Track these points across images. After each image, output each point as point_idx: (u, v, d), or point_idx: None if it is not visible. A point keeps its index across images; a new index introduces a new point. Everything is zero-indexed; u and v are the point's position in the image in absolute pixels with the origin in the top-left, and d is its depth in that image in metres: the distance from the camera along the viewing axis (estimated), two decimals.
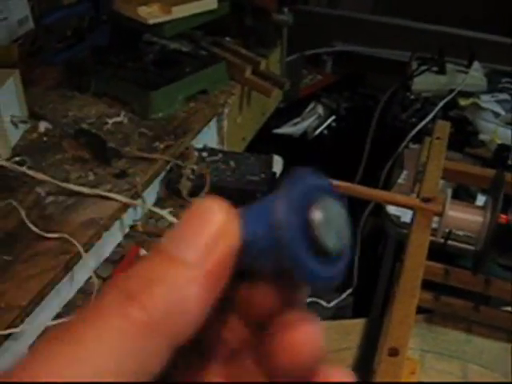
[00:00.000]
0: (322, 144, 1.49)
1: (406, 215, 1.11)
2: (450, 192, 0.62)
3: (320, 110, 1.53)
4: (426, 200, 0.61)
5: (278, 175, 0.92)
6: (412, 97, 1.41)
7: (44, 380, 0.17)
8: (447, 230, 0.78)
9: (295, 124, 1.51)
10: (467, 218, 0.61)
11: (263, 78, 1.08)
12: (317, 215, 0.20)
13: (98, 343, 0.18)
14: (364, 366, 0.80)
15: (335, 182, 0.61)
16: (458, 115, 1.34)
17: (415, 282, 0.53)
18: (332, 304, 1.26)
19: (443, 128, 0.75)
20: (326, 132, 1.50)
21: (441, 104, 1.35)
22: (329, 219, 0.20)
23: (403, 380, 0.45)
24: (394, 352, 0.46)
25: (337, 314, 1.27)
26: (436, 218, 0.67)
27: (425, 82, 1.42)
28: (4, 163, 0.86)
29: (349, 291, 1.27)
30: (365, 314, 1.08)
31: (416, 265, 0.55)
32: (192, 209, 0.21)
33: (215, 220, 0.21)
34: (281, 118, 1.47)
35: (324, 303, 1.24)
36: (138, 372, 0.18)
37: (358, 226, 1.30)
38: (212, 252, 0.20)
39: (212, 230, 0.20)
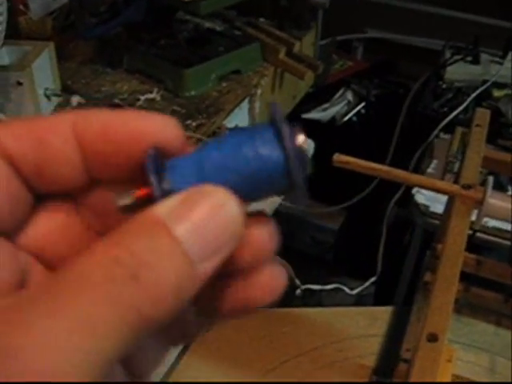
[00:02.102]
0: (350, 130, 1.47)
1: (434, 205, 1.10)
2: (491, 180, 0.61)
3: (349, 96, 1.51)
4: (467, 187, 0.60)
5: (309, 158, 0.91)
6: (444, 86, 1.39)
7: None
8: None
9: (324, 109, 1.49)
10: (508, 207, 0.60)
11: (297, 60, 1.06)
12: (305, 144, 0.20)
13: (108, 333, 0.17)
14: (391, 353, 0.79)
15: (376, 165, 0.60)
16: (490, 106, 1.32)
17: (454, 269, 0.52)
18: (355, 291, 1.25)
19: (483, 116, 0.74)
20: (355, 118, 1.49)
21: (474, 94, 1.33)
22: None
23: (440, 367, 0.45)
24: (433, 337, 0.46)
25: (358, 302, 1.27)
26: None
27: (458, 72, 1.40)
28: None
29: (372, 279, 1.27)
30: (386, 302, 1.07)
31: (455, 252, 0.54)
32: (195, 190, 0.19)
33: (225, 212, 0.19)
34: (309, 102, 1.46)
35: (347, 290, 1.24)
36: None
37: (385, 215, 1.29)
38: (219, 252, 0.19)
39: (221, 221, 0.19)
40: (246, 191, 0.20)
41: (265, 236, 0.21)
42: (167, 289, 0.17)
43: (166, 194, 0.19)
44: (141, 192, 0.20)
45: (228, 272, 0.21)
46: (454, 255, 0.54)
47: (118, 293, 0.17)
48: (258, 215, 0.21)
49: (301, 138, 0.20)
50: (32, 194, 0.21)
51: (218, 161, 0.20)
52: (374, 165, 0.60)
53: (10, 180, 0.20)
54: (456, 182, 0.80)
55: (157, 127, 0.21)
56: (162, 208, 0.18)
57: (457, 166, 1.12)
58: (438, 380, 0.46)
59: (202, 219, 0.18)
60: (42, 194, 0.21)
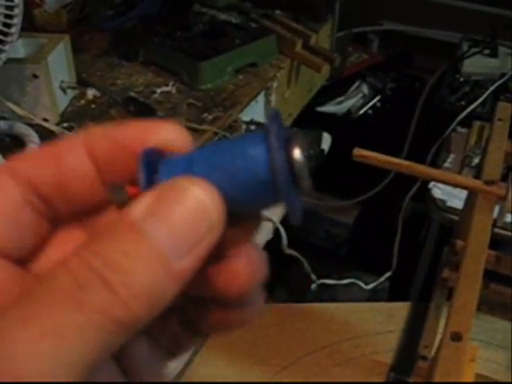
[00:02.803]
0: (365, 124, 1.46)
1: (452, 199, 1.09)
2: None
3: (365, 89, 1.50)
4: (490, 183, 0.59)
5: (326, 152, 0.90)
6: (461, 79, 1.37)
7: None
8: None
9: (339, 102, 1.48)
10: None
11: (313, 52, 1.05)
12: (299, 155, 0.19)
13: (79, 338, 0.17)
14: (408, 350, 0.79)
15: (395, 159, 0.59)
16: (509, 100, 1.30)
17: (478, 266, 0.51)
18: (370, 286, 1.24)
19: (505, 109, 0.72)
20: (370, 112, 1.47)
21: (491, 88, 1.31)
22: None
23: (464, 367, 0.44)
24: (456, 336, 0.45)
25: (373, 296, 1.26)
26: None
27: (475, 65, 1.38)
28: (53, 128, 0.85)
29: (388, 274, 1.26)
30: (401, 297, 1.06)
31: (479, 249, 0.53)
32: (167, 185, 0.19)
33: (198, 205, 0.18)
34: (325, 95, 1.45)
35: (362, 285, 1.23)
36: (98, 362, 0.17)
37: (400, 210, 1.27)
38: (196, 247, 0.18)
39: (194, 215, 0.18)
40: (232, 192, 0.19)
41: (252, 269, 0.21)
42: (140, 291, 0.17)
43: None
44: (133, 190, 0.20)
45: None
46: (477, 252, 0.54)
47: (88, 298, 0.17)
48: (248, 248, 0.21)
49: (295, 150, 0.19)
50: (48, 221, 0.22)
51: (206, 158, 0.20)
52: (394, 159, 0.59)
53: (21, 208, 0.21)
54: (475, 176, 0.79)
55: (165, 134, 0.21)
56: (136, 208, 0.18)
57: (475, 160, 1.11)
58: (463, 379, 0.45)
59: (175, 215, 0.18)
60: (61, 219, 0.22)
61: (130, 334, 0.17)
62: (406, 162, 0.59)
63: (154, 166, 0.20)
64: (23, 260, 0.21)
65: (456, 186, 0.59)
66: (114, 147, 0.21)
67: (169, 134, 0.21)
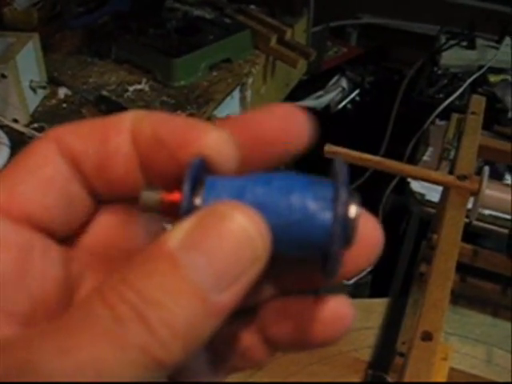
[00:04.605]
0: (345, 118, 1.45)
1: (430, 193, 1.08)
2: (487, 170, 0.59)
3: (344, 83, 1.49)
4: (462, 178, 0.58)
5: None
6: (439, 72, 1.37)
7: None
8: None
9: (318, 97, 1.47)
10: (504, 198, 0.58)
11: (289, 47, 1.04)
12: (356, 215, 0.18)
13: (120, 375, 0.16)
14: (387, 346, 0.78)
15: (366, 155, 0.58)
16: (487, 92, 1.30)
17: (450, 263, 0.51)
18: (352, 281, 1.24)
19: (478, 103, 0.72)
20: (349, 106, 1.47)
21: (469, 80, 1.31)
22: None
23: (436, 366, 0.43)
24: (427, 336, 0.44)
25: (354, 292, 1.26)
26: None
27: (453, 57, 1.38)
28: (23, 129, 0.84)
29: (369, 268, 1.25)
30: (382, 292, 1.06)
31: (451, 246, 0.53)
32: (208, 211, 0.17)
33: (241, 234, 0.17)
34: (303, 90, 1.44)
35: (344, 280, 1.22)
36: None
37: (380, 203, 1.27)
38: (238, 280, 0.17)
39: (237, 247, 0.17)
40: (277, 239, 0.18)
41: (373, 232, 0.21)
42: (177, 329, 0.16)
43: (194, 210, 0.18)
44: (169, 197, 0.19)
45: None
46: (449, 248, 0.53)
47: (124, 334, 0.16)
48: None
49: (354, 209, 0.18)
50: (92, 198, 0.21)
51: (261, 197, 0.18)
52: (366, 155, 0.58)
53: (69, 181, 0.20)
54: (452, 170, 0.79)
55: (211, 140, 0.19)
56: (174, 237, 0.17)
57: (453, 152, 1.10)
58: (433, 379, 0.44)
59: (215, 247, 0.17)
60: (102, 199, 0.21)
61: (168, 372, 0.17)
62: (377, 158, 0.58)
63: (200, 180, 0.19)
64: (66, 239, 0.20)
65: (428, 181, 0.59)
66: (154, 139, 0.19)
67: (215, 144, 0.19)
